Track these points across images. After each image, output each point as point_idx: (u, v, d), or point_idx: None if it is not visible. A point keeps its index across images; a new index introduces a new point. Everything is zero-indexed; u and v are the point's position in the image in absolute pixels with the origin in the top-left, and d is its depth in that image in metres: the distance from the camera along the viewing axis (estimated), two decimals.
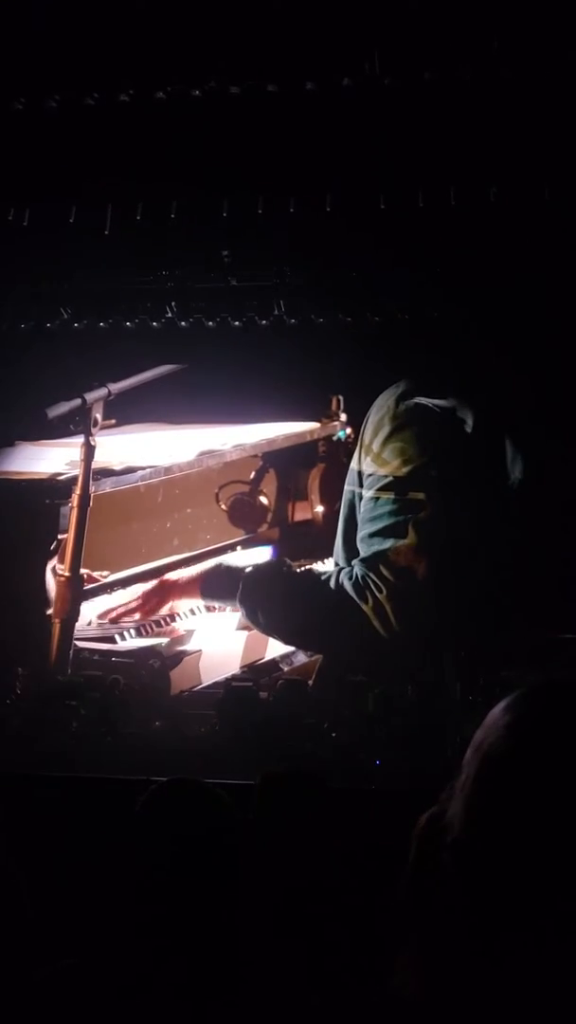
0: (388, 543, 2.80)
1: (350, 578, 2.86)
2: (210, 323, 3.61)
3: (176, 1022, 1.55)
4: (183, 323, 3.61)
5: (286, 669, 3.26)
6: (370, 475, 2.86)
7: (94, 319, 3.65)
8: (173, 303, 3.55)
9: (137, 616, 3.07)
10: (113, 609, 3.13)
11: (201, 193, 3.26)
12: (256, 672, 3.23)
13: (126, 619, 3.13)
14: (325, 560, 3.38)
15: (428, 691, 2.79)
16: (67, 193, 3.30)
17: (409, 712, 2.77)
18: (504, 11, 2.89)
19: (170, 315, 3.58)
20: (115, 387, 2.84)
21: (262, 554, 3.48)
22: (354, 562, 2.90)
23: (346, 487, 3.01)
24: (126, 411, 3.11)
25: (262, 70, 2.99)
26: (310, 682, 3.06)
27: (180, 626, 3.15)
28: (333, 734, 2.75)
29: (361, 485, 2.90)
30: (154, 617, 3.12)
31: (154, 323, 3.64)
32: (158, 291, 3.55)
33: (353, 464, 2.97)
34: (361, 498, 2.93)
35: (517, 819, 0.89)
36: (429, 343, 3.34)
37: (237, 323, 3.59)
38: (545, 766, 0.90)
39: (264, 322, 3.57)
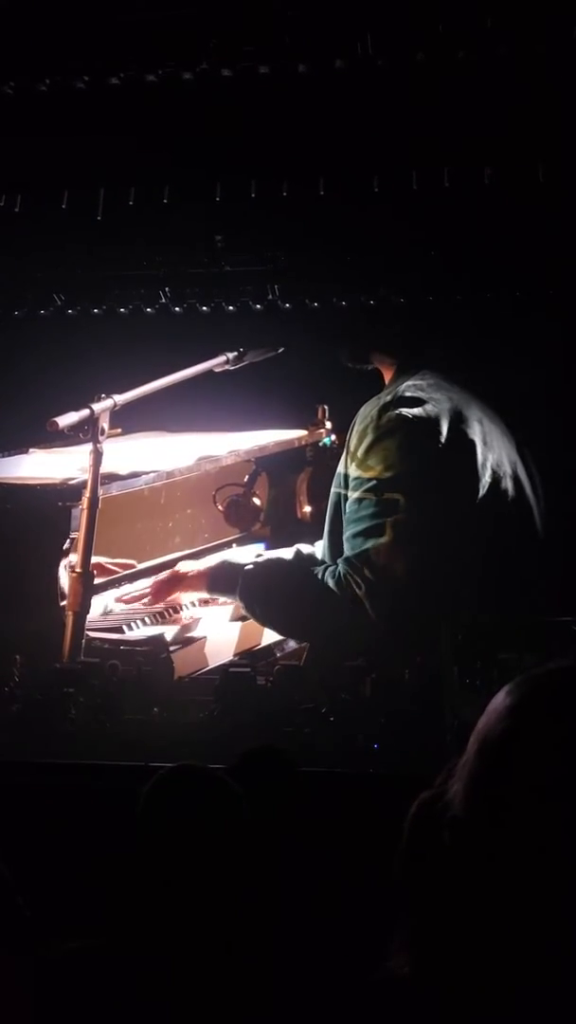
0: (369, 542, 2.98)
1: (333, 576, 3.05)
2: (204, 308, 3.61)
3: (177, 1007, 1.56)
4: (177, 309, 3.61)
5: (279, 655, 3.34)
6: (355, 479, 3.06)
7: (87, 305, 3.64)
8: (166, 288, 3.55)
9: (147, 601, 3.31)
10: (128, 593, 3.37)
11: (193, 177, 3.24)
12: (253, 658, 3.27)
13: (138, 605, 3.36)
14: (315, 543, 3.53)
15: (426, 675, 2.80)
16: (58, 178, 3.28)
17: (407, 696, 2.77)
18: None
19: (163, 301, 3.57)
20: (120, 398, 2.99)
21: (257, 551, 3.70)
22: (339, 560, 3.09)
23: (332, 489, 3.21)
24: (131, 420, 3.31)
25: (254, 52, 2.96)
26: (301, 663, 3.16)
27: (185, 615, 3.34)
28: (331, 719, 2.76)
29: (346, 487, 3.11)
30: (161, 606, 3.33)
31: (148, 309, 3.63)
32: (151, 277, 3.54)
33: (339, 468, 3.17)
34: (346, 499, 3.13)
35: (515, 799, 0.89)
36: (420, 328, 3.40)
37: (231, 308, 3.59)
38: (544, 747, 0.90)
39: (258, 307, 3.57)
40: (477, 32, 2.86)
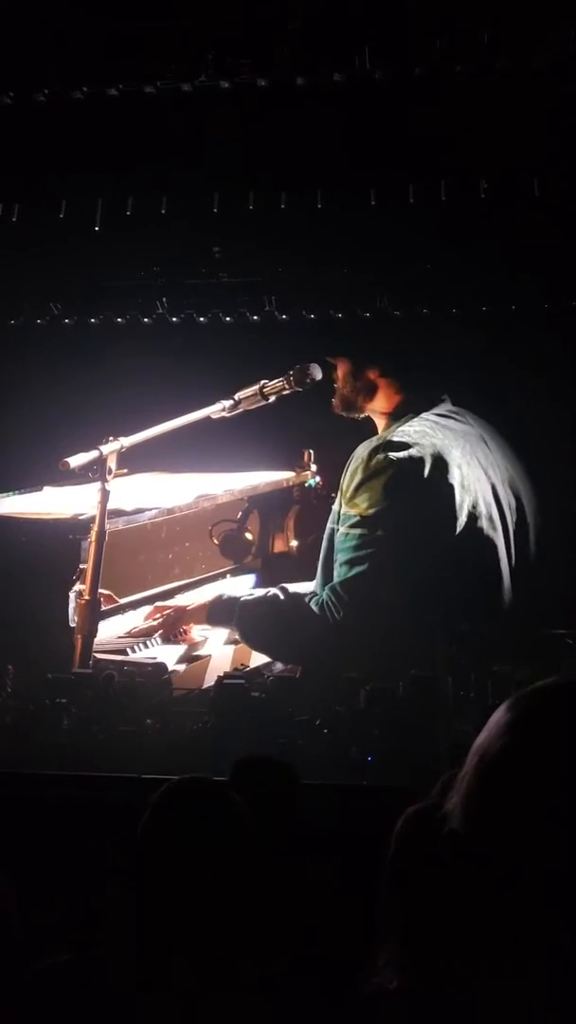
0: (352, 571, 3.25)
1: (318, 603, 3.30)
2: (201, 319, 3.61)
3: (170, 1019, 1.55)
4: (174, 319, 3.61)
5: (266, 675, 3.42)
6: (345, 515, 3.33)
7: (84, 315, 3.65)
8: (164, 299, 3.55)
9: (158, 633, 3.56)
10: (136, 627, 3.58)
11: (191, 188, 3.25)
12: (246, 674, 3.30)
13: (146, 635, 3.58)
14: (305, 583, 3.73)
15: (420, 687, 2.80)
16: (57, 188, 3.28)
17: (401, 708, 2.77)
18: (495, 4, 2.88)
19: (161, 311, 3.58)
20: (127, 441, 3.22)
21: (249, 581, 4.03)
22: (325, 588, 3.33)
23: (327, 525, 3.47)
24: (136, 461, 3.51)
25: (253, 64, 2.97)
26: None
27: (195, 635, 3.59)
28: (325, 730, 2.75)
29: (338, 523, 3.37)
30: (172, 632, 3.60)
31: (145, 319, 3.64)
32: (149, 287, 3.55)
33: (335, 505, 3.43)
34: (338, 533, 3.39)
35: (513, 815, 0.89)
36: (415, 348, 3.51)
37: (228, 319, 3.60)
38: (543, 764, 0.89)
39: (255, 318, 3.58)
40: (475, 46, 2.87)
